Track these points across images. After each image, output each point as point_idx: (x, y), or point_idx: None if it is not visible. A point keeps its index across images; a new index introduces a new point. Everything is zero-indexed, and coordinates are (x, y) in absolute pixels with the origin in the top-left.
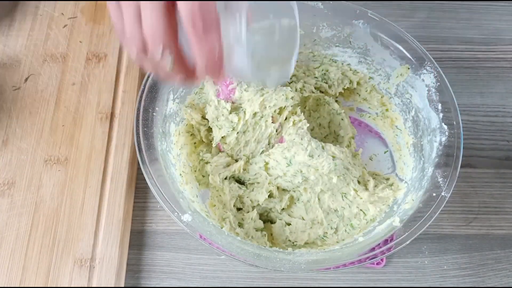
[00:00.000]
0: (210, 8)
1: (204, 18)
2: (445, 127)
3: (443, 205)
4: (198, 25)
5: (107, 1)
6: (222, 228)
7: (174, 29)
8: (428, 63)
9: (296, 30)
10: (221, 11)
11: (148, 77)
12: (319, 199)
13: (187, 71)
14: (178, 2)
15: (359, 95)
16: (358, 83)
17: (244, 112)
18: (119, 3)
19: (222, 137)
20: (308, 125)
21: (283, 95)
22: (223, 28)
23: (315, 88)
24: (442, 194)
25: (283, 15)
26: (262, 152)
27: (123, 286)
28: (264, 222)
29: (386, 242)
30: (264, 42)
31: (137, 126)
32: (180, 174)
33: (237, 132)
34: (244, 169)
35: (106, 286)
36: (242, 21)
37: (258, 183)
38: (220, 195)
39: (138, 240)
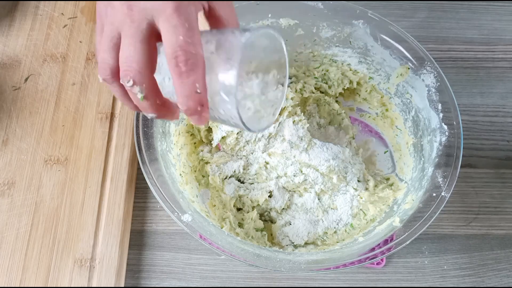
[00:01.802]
0: (196, 48)
1: (187, 57)
2: (445, 127)
3: (443, 205)
4: (180, 63)
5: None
6: (222, 228)
7: (152, 61)
8: (428, 63)
9: (285, 87)
10: (211, 52)
11: None
12: (319, 199)
13: (159, 107)
14: (163, 34)
15: (359, 95)
16: (358, 83)
17: None
18: (103, 22)
19: (222, 137)
20: (308, 125)
21: None
22: (210, 71)
23: (315, 88)
24: (442, 194)
25: (274, 53)
26: (262, 151)
27: (123, 286)
28: (264, 222)
29: (386, 242)
30: (254, 96)
31: (137, 126)
32: (180, 174)
33: (237, 132)
34: (244, 169)
35: (106, 286)
36: (234, 69)
37: (258, 183)
38: (220, 195)
39: (138, 240)
